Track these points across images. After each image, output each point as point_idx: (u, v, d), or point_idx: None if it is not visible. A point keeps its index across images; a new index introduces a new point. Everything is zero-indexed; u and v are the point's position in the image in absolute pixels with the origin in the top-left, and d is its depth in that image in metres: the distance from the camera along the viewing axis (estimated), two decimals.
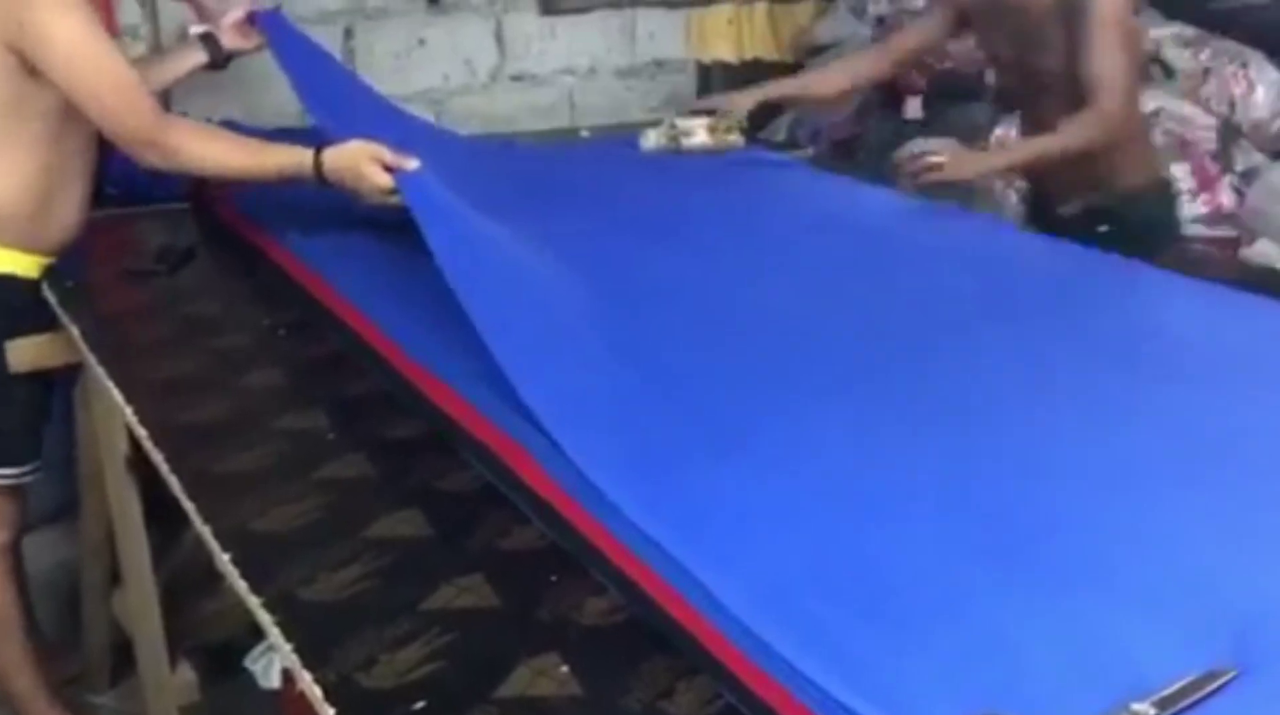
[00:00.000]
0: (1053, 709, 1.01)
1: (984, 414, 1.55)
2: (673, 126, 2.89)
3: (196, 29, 2.59)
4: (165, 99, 2.56)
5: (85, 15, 2.10)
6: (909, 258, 2.19)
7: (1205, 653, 1.07)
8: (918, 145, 3.03)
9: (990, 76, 3.66)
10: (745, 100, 2.93)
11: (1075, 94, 2.51)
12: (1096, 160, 2.57)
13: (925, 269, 2.12)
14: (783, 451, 1.45)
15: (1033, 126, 2.74)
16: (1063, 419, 1.54)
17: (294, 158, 2.16)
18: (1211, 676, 1.03)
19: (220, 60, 2.57)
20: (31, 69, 2.11)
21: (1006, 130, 3.40)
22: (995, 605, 1.15)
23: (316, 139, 2.21)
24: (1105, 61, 2.45)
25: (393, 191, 2.04)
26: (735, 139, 2.89)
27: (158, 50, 2.72)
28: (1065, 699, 1.02)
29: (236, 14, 2.56)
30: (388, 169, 2.04)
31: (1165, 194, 2.89)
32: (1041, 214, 2.82)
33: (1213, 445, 1.47)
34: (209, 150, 2.20)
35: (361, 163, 2.07)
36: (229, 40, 2.55)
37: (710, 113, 2.91)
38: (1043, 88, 2.63)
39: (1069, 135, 2.49)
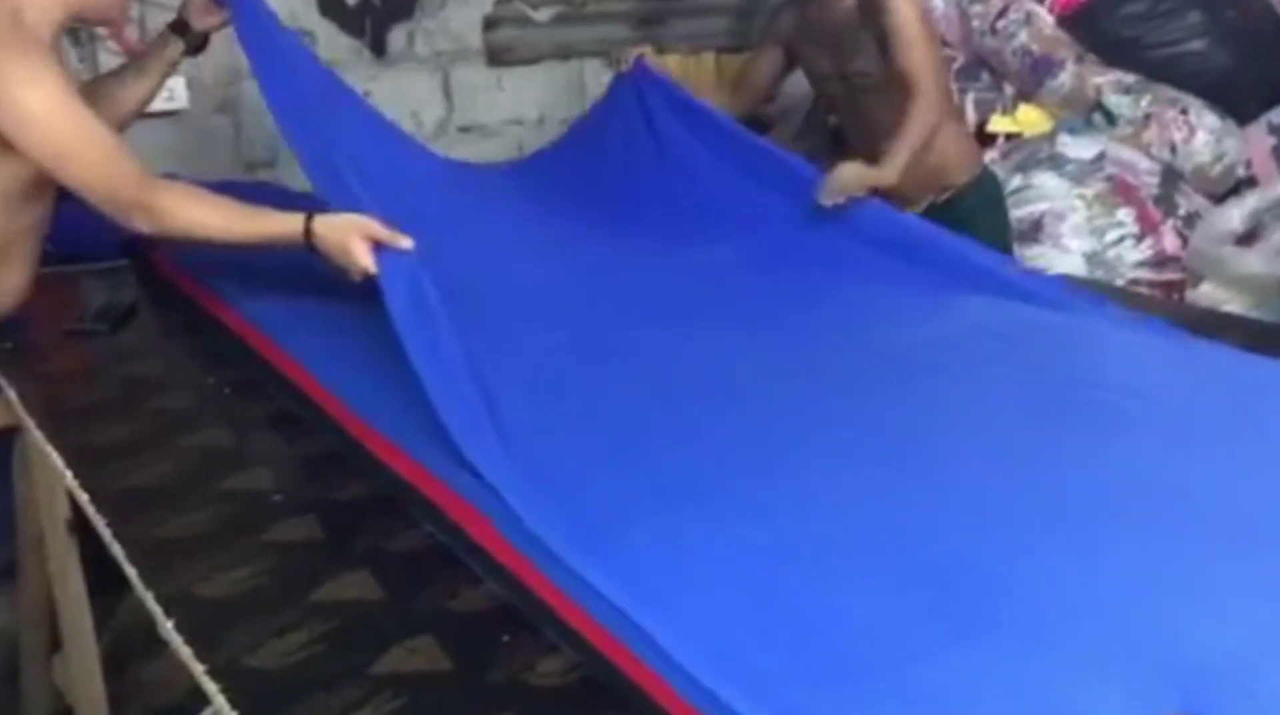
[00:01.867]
0: None
1: (931, 468, 1.55)
2: None
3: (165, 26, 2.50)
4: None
5: (57, 83, 2.02)
6: (859, 305, 2.19)
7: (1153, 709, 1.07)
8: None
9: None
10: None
11: (891, 88, 2.76)
12: (934, 157, 2.79)
13: (875, 318, 2.12)
14: (736, 507, 1.44)
15: (859, 126, 2.98)
16: (1009, 471, 1.54)
17: (285, 226, 2.07)
18: None
19: (198, 43, 2.49)
20: (3, 143, 2.04)
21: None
22: (941, 663, 1.14)
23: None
24: (913, 54, 2.73)
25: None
26: None
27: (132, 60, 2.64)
28: None
29: None
30: (378, 245, 1.94)
31: (993, 181, 3.10)
32: None
33: (1160, 495, 1.47)
34: (199, 215, 2.10)
35: (351, 239, 1.95)
36: (197, 21, 2.47)
37: None
38: (862, 89, 2.90)
39: (913, 126, 2.69)
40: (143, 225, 2.10)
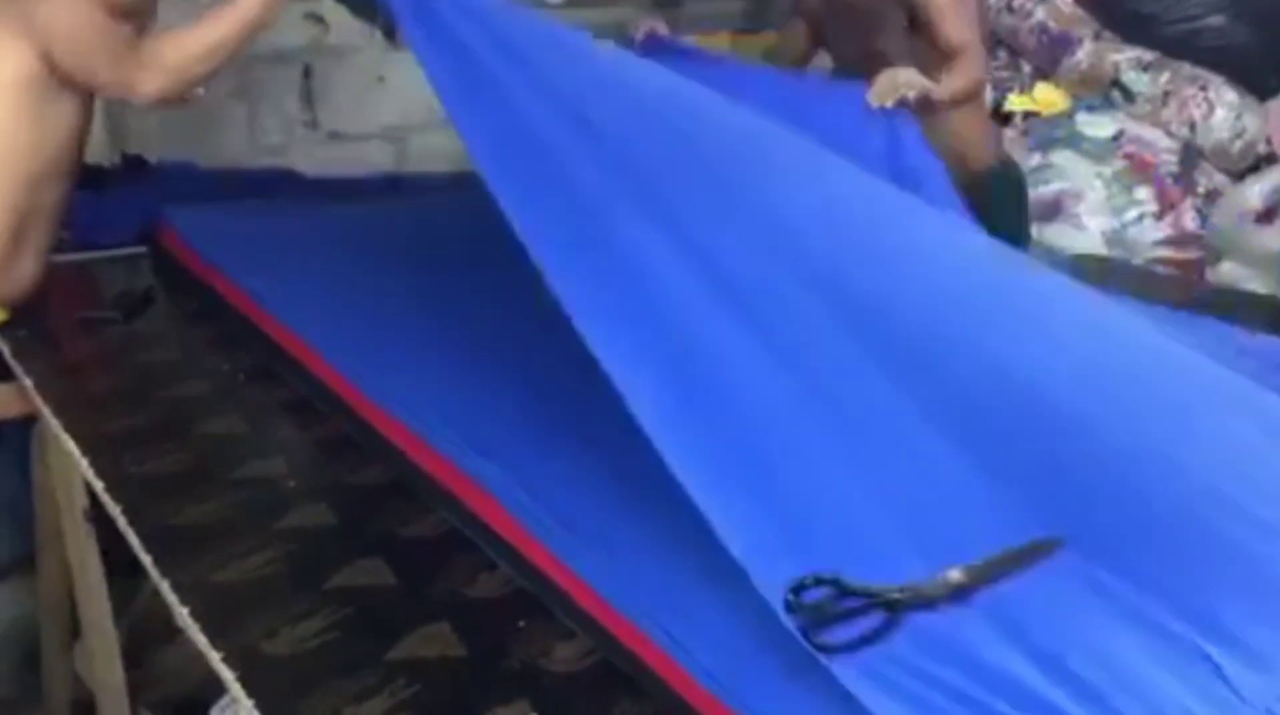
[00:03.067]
0: None
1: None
2: None
3: None
4: None
5: None
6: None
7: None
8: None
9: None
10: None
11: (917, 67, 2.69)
12: (955, 140, 2.72)
13: None
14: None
15: None
16: None
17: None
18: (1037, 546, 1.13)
19: None
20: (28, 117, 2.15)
21: None
22: None
23: None
24: (959, 27, 2.67)
25: None
26: None
27: None
28: None
29: None
30: None
31: (1014, 168, 3.04)
32: None
33: None
34: (191, 45, 2.25)
35: None
36: None
37: None
38: (886, 68, 2.77)
39: (957, 73, 2.65)
40: (154, 91, 2.24)
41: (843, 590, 1.08)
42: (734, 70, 2.83)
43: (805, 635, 1.04)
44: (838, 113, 2.51)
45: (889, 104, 2.54)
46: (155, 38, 2.28)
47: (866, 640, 1.05)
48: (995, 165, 2.94)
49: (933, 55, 2.70)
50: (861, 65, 2.87)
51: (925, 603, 1.08)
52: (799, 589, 1.07)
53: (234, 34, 2.27)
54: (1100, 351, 1.54)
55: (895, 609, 1.07)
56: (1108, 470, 1.28)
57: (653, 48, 2.90)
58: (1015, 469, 1.27)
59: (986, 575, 1.10)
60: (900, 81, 2.55)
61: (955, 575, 1.10)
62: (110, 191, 2.87)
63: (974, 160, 2.87)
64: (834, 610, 1.07)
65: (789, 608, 1.06)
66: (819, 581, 1.08)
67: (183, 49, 2.25)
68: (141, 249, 2.67)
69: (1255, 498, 1.29)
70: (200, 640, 1.30)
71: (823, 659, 1.03)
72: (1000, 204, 2.84)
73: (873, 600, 1.08)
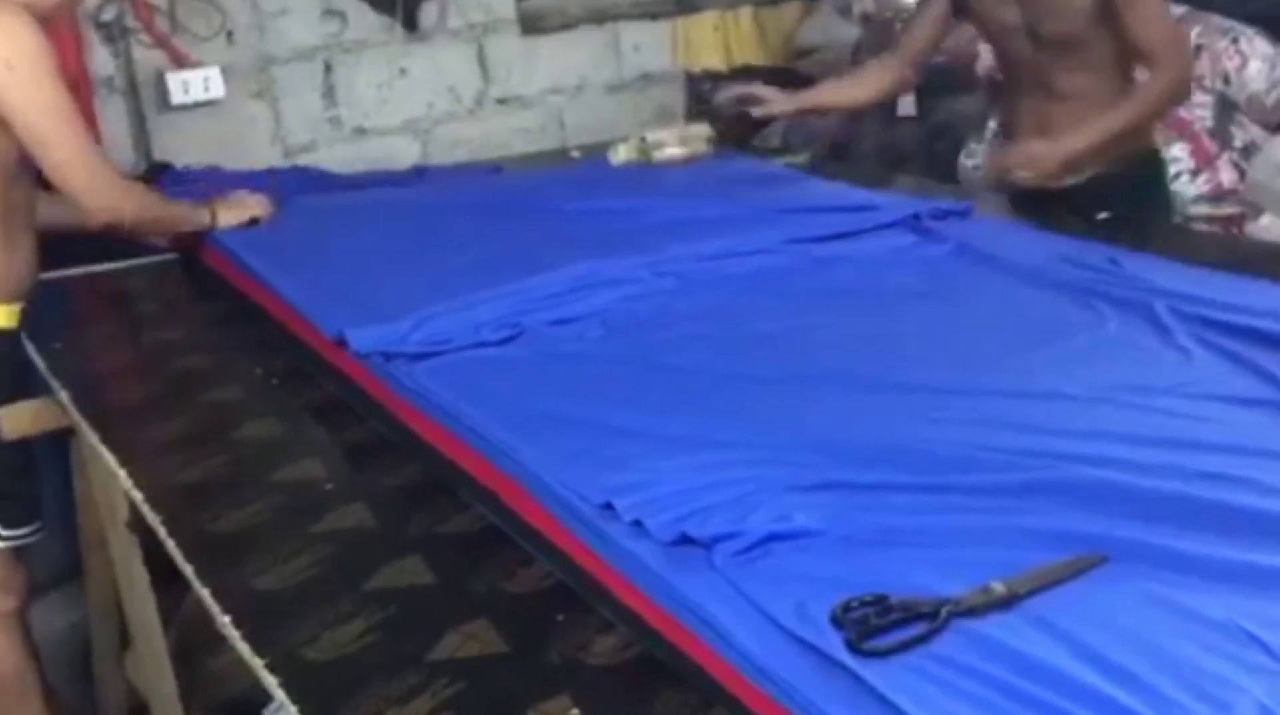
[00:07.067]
0: None
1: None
2: (643, 139, 2.89)
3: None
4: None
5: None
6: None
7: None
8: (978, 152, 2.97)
9: (982, 67, 3.63)
10: (781, 103, 2.92)
11: (1092, 62, 2.50)
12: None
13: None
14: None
15: (1031, 89, 2.64)
16: None
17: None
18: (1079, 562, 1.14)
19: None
20: None
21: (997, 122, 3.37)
22: None
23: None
24: (1163, 22, 2.45)
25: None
26: (705, 149, 2.92)
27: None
28: None
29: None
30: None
31: (1158, 162, 2.81)
32: (1025, 193, 2.73)
33: None
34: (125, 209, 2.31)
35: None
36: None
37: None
38: (1053, 49, 2.56)
39: (1149, 99, 2.47)
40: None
41: (886, 607, 1.09)
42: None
43: (851, 646, 1.05)
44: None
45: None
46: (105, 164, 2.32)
47: (911, 644, 1.05)
48: (1143, 155, 2.70)
49: (1115, 50, 2.48)
50: (1024, 41, 2.61)
51: (969, 611, 1.09)
52: (847, 608, 1.08)
53: (149, 217, 2.42)
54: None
55: (939, 617, 1.08)
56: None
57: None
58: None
59: (1029, 586, 1.11)
60: (1017, 165, 2.41)
61: (998, 587, 1.11)
62: None
63: (1125, 144, 2.59)
64: (878, 623, 1.07)
65: (835, 621, 1.07)
66: (864, 603, 1.09)
67: (110, 186, 2.29)
68: (173, 256, 2.68)
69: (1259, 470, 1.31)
70: (243, 648, 1.30)
71: (863, 666, 1.03)
72: (1142, 191, 2.66)
73: (916, 612, 1.09)
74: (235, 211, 2.56)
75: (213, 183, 2.85)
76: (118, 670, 2.56)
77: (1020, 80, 2.70)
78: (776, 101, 2.91)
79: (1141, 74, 2.53)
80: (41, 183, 2.30)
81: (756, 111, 2.91)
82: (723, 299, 2.01)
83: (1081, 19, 2.48)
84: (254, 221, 2.57)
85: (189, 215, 2.52)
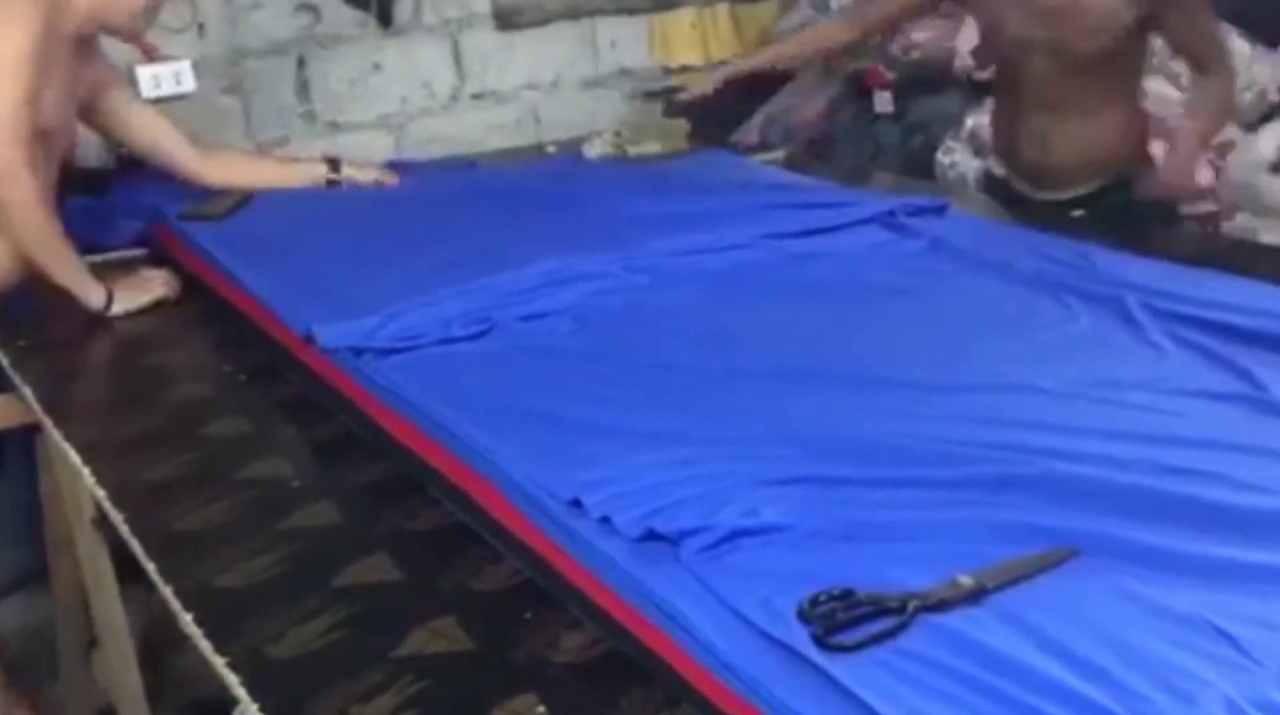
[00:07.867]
0: None
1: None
2: (618, 135, 2.88)
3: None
4: None
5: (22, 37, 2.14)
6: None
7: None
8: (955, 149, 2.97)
9: (960, 65, 3.62)
10: (709, 81, 2.96)
11: (1107, 81, 2.51)
12: (1109, 133, 2.58)
13: None
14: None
15: (1037, 103, 2.59)
16: None
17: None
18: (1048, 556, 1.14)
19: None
20: None
21: (977, 119, 3.36)
22: None
23: None
24: (1212, 22, 2.51)
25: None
26: (681, 145, 2.94)
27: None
28: None
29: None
30: None
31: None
32: (1019, 201, 2.72)
33: None
34: (31, 214, 2.20)
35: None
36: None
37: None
38: (1074, 65, 2.50)
39: (1227, 97, 2.56)
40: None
41: (853, 602, 1.08)
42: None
43: (818, 641, 1.04)
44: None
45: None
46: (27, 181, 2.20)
47: (878, 639, 1.05)
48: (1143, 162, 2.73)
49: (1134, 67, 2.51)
50: (1044, 57, 2.55)
51: (936, 605, 1.08)
52: (815, 602, 1.08)
53: (49, 265, 2.25)
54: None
55: (906, 612, 1.07)
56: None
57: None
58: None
59: (997, 580, 1.11)
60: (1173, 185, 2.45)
61: (965, 580, 1.10)
62: (109, 194, 2.85)
63: (1129, 156, 2.65)
64: (845, 617, 1.07)
65: (802, 616, 1.07)
66: (831, 597, 1.08)
67: (23, 213, 2.20)
68: (141, 251, 2.66)
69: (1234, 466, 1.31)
70: (205, 646, 1.29)
71: (830, 662, 1.02)
72: (1145, 204, 2.64)
73: (884, 607, 1.08)
74: (134, 293, 2.32)
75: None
76: (85, 670, 2.54)
77: (1023, 96, 2.64)
78: (706, 83, 2.97)
79: (1152, 83, 2.56)
80: None
81: (682, 96, 2.95)
82: (697, 294, 2.00)
83: (1122, 36, 2.46)
84: (158, 303, 2.37)
85: (82, 286, 2.27)
